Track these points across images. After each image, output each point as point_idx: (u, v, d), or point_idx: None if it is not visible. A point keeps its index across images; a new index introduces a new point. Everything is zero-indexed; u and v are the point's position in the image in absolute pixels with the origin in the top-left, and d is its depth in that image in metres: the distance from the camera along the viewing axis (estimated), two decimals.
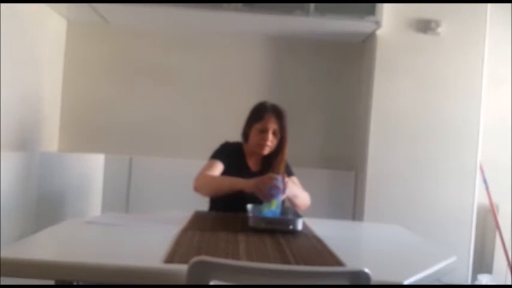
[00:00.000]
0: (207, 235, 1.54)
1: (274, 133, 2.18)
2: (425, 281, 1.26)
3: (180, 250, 1.30)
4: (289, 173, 2.28)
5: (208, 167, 2.13)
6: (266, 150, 2.19)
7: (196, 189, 2.07)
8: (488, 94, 3.15)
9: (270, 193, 1.76)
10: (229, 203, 2.07)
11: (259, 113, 2.20)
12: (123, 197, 3.29)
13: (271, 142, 2.17)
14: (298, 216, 1.78)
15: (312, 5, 2.91)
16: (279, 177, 1.81)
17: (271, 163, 2.22)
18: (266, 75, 3.44)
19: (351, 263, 1.26)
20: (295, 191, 2.02)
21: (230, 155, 2.22)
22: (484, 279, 3.09)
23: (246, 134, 2.26)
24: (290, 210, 1.93)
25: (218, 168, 2.14)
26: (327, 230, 1.79)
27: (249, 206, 1.85)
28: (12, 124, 2.67)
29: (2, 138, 2.54)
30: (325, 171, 3.37)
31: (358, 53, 3.42)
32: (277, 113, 2.19)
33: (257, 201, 1.85)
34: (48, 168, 2.86)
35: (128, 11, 3.03)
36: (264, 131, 2.16)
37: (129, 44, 3.42)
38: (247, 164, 2.25)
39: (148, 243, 1.48)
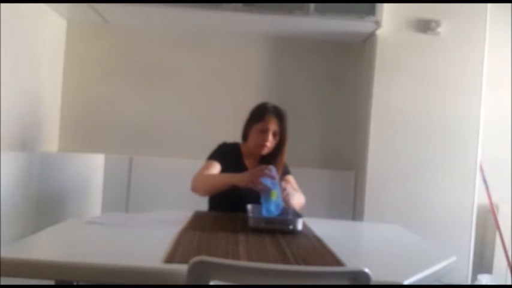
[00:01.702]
0: (207, 235, 1.54)
1: (274, 134, 2.18)
2: (425, 281, 1.26)
3: (180, 250, 1.30)
4: (286, 171, 2.29)
5: (206, 167, 2.13)
6: (265, 151, 2.20)
7: (193, 189, 2.07)
8: (488, 94, 3.15)
9: (265, 183, 1.76)
10: (228, 203, 2.07)
11: (261, 114, 2.20)
12: (123, 197, 3.29)
13: (270, 143, 2.18)
14: (298, 216, 1.78)
15: (312, 5, 2.91)
16: (272, 167, 1.80)
17: (269, 164, 2.20)
18: (266, 75, 3.44)
19: (351, 263, 1.26)
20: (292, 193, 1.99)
21: (227, 155, 2.22)
22: (484, 279, 3.09)
23: (246, 133, 2.26)
24: (290, 211, 1.93)
25: (215, 168, 2.14)
26: (327, 230, 1.79)
27: (249, 206, 1.85)
28: (12, 124, 2.67)
29: (2, 138, 2.54)
30: (325, 171, 3.37)
31: (358, 53, 3.42)
32: (279, 115, 2.20)
33: (257, 200, 1.85)
34: (48, 168, 2.86)
35: (128, 10, 3.03)
36: (264, 132, 2.17)
37: (129, 44, 3.42)
38: (244, 164, 2.25)
39: (148, 243, 1.48)
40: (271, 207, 1.75)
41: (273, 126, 2.17)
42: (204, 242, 1.43)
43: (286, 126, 2.20)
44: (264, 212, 1.76)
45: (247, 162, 2.26)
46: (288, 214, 1.86)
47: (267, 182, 1.77)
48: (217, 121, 3.35)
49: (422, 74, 3.09)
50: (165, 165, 3.33)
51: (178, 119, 3.41)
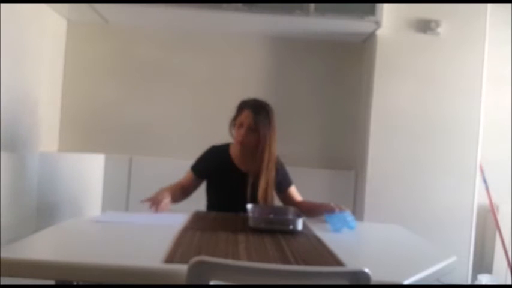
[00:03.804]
0: (207, 235, 1.54)
1: (250, 128, 2.09)
2: (425, 281, 1.26)
3: (180, 250, 1.30)
4: (287, 183, 2.24)
5: (182, 177, 2.21)
6: (242, 147, 2.13)
7: None
8: (488, 94, 3.15)
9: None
10: (226, 203, 2.07)
11: (239, 109, 2.17)
12: (123, 197, 3.29)
13: (242, 137, 2.09)
14: (298, 216, 1.78)
15: (312, 5, 2.91)
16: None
17: (258, 164, 2.11)
18: (266, 75, 3.44)
19: (351, 263, 1.26)
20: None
21: (215, 159, 2.20)
22: (484, 279, 3.09)
23: (231, 132, 2.21)
24: (290, 210, 1.93)
25: (186, 179, 2.21)
26: (327, 230, 1.79)
27: (249, 206, 1.85)
28: (12, 124, 2.67)
29: (2, 138, 2.54)
30: (325, 171, 3.37)
31: (358, 53, 3.41)
32: (254, 108, 2.11)
33: (256, 200, 1.85)
34: (48, 168, 2.86)
35: (128, 11, 3.03)
36: (240, 126, 2.12)
37: (129, 44, 3.42)
38: (235, 165, 2.19)
39: (148, 243, 1.48)
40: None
41: (247, 120, 2.09)
42: (204, 242, 1.43)
43: (266, 121, 2.09)
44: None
45: (237, 162, 2.20)
46: (288, 214, 1.86)
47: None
48: (217, 121, 3.31)
49: (422, 74, 3.09)
50: (165, 165, 3.32)
51: (178, 119, 3.41)
